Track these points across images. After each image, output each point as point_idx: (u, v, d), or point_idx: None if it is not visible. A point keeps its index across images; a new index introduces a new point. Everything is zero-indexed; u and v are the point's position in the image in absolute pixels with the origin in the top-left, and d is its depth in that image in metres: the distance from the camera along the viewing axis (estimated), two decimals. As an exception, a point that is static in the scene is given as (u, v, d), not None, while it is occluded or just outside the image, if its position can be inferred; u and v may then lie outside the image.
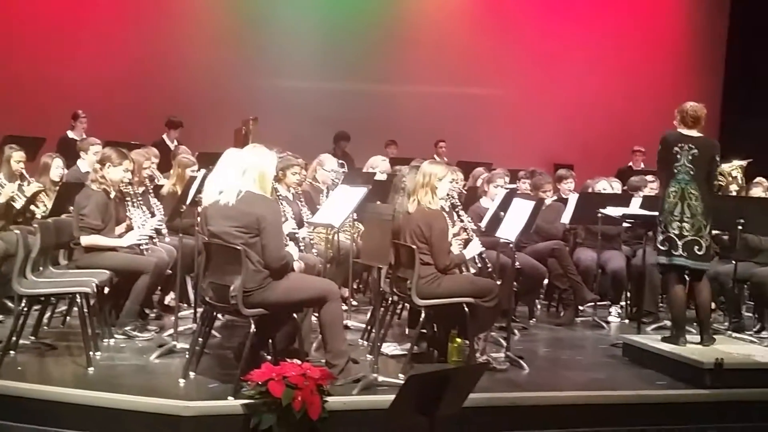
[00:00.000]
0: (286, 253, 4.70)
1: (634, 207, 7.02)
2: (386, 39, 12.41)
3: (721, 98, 13.16)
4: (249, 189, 4.59)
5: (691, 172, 5.60)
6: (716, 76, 13.43)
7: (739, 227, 6.29)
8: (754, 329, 6.88)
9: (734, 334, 6.52)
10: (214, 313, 5.02)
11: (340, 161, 7.42)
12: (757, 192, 7.35)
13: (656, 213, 6.50)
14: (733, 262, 6.51)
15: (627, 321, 7.25)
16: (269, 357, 4.77)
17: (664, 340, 5.77)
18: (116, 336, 5.60)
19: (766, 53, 12.36)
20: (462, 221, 5.82)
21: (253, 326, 4.55)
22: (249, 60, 11.91)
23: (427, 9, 12.79)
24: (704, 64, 13.48)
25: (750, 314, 7.28)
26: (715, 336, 5.88)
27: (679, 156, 5.62)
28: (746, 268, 6.66)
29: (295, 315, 4.76)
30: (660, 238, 5.70)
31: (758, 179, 7.73)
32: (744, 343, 6.17)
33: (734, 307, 6.84)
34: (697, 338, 5.82)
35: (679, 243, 5.60)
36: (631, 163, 11.64)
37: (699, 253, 5.59)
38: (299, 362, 4.38)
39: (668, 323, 6.50)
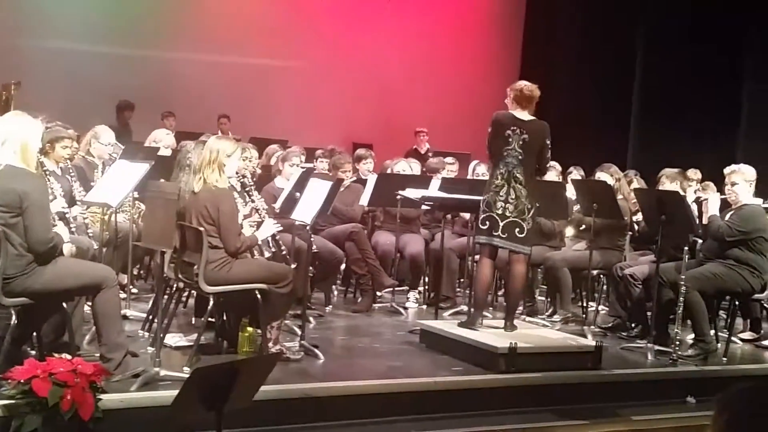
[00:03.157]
0: (54, 234, 4.48)
1: (433, 189, 7.29)
2: (167, 2, 12.06)
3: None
4: (9, 162, 4.34)
5: (520, 157, 5.87)
6: (515, 54, 14.18)
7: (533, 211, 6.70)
8: (547, 313, 7.39)
9: (528, 318, 6.97)
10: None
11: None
12: (550, 176, 7.84)
13: (454, 195, 6.82)
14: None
15: (425, 306, 7.54)
16: (34, 352, 4.55)
17: (461, 324, 6.05)
18: None
19: (560, 44, 13.20)
20: (254, 202, 5.79)
21: (14, 318, 4.32)
22: (9, 16, 11.14)
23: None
24: (503, 44, 14.21)
25: (543, 298, 7.80)
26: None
27: (510, 140, 5.87)
28: (539, 252, 7.12)
29: (64, 304, 4.54)
30: (481, 217, 5.95)
31: (551, 163, 8.25)
32: (537, 327, 6.61)
33: (528, 291, 7.28)
34: (494, 322, 6.16)
35: (501, 224, 5.87)
36: (415, 146, 11.99)
37: (519, 235, 5.89)
38: (69, 357, 4.20)
39: (465, 308, 6.83)
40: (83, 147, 6.86)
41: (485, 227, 5.93)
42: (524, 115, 5.94)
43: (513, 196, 5.87)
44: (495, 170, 5.94)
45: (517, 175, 5.87)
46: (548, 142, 5.98)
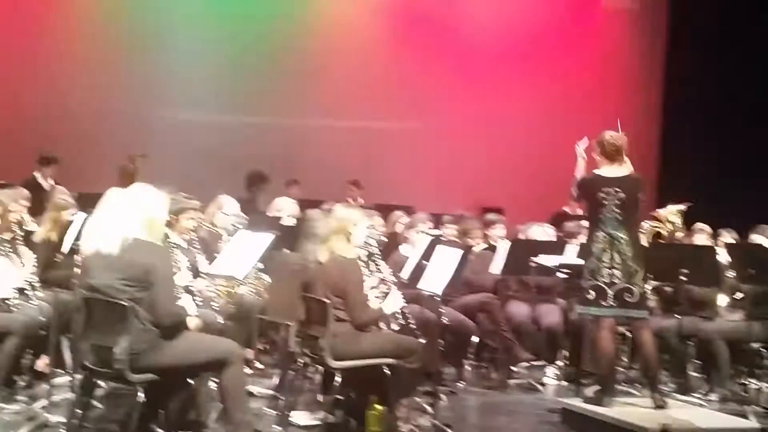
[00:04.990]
0: (180, 308, 4.63)
1: (570, 255, 7.17)
2: (289, 69, 12.41)
3: (660, 134, 13.55)
4: (136, 236, 4.50)
5: (619, 218, 5.78)
6: (655, 108, 13.86)
7: (682, 278, 6.50)
8: (702, 391, 7.07)
9: (680, 397, 6.69)
10: (95, 380, 4.87)
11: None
12: (700, 239, 7.60)
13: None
14: (677, 317, 6.72)
15: (565, 382, 7.36)
16: (161, 430, 4.65)
17: (587, 401, 5.88)
18: (-22, 408, 5.38)
19: (706, 83, 12.75)
20: (380, 272, 5.83)
21: (141, 394, 4.44)
22: (136, 88, 11.73)
23: (336, 37, 12.88)
24: (642, 97, 13.90)
25: (697, 374, 7.48)
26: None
27: (605, 201, 5.79)
28: (691, 323, 6.86)
29: (191, 381, 4.66)
30: (587, 286, 5.83)
31: (700, 225, 7.99)
32: (691, 407, 6.34)
33: (679, 366, 7.01)
34: (641, 401, 5.94)
35: (609, 292, 5.75)
36: (566, 208, 11.83)
37: (630, 300, 5.74)
38: (196, 436, 4.29)
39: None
40: (207, 218, 7.07)
41: (592, 297, 5.79)
42: (614, 171, 5.84)
43: (618, 261, 5.76)
44: (594, 234, 5.84)
45: (621, 236, 5.76)
46: (641, 195, 5.88)
